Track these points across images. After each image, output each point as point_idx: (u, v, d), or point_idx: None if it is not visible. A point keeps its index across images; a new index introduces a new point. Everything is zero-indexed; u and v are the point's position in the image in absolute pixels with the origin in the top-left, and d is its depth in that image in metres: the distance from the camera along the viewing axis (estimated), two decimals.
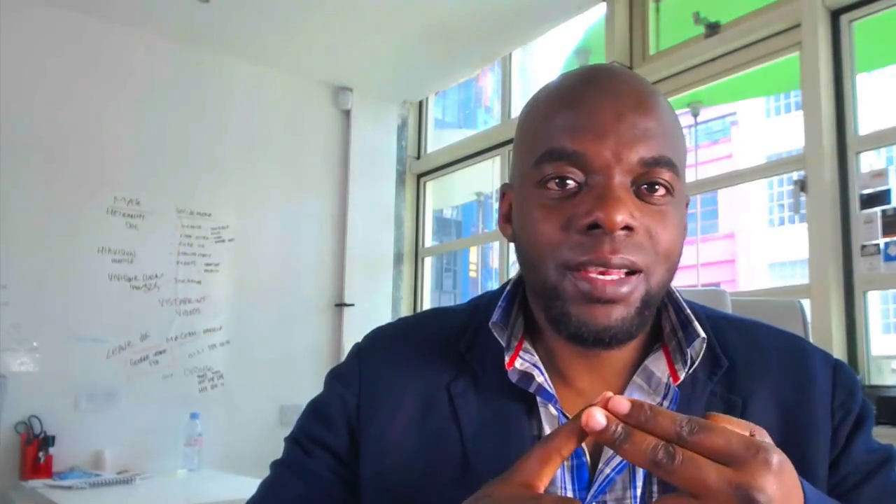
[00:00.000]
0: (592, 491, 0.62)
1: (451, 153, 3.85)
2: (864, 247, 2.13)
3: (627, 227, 0.59)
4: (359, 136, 3.75)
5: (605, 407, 0.45)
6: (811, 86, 2.25)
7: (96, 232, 2.97)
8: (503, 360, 0.65)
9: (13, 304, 2.76)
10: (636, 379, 0.66)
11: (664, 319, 0.68)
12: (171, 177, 3.18)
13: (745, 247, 16.37)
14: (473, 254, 11.98)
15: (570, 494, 0.63)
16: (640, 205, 0.60)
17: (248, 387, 3.26)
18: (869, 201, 2.13)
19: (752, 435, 0.44)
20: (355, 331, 3.45)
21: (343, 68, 3.57)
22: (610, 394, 0.46)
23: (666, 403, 0.64)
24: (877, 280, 2.11)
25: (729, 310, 1.03)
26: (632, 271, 0.59)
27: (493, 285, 3.68)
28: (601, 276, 0.58)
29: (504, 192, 0.72)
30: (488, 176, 3.88)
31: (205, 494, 2.54)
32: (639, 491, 0.63)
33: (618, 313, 0.59)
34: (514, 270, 0.84)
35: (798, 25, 2.31)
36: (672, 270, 0.63)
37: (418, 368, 0.70)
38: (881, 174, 2.13)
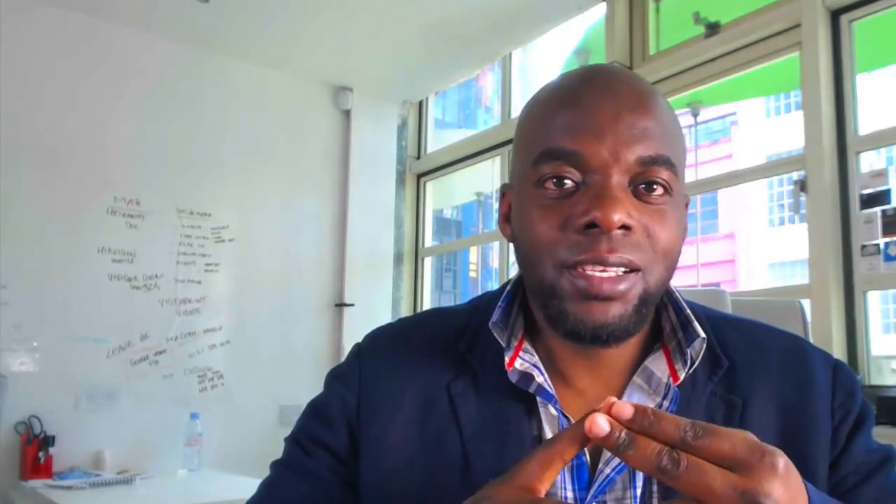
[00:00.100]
0: (592, 491, 0.62)
1: (451, 153, 3.85)
2: (864, 247, 2.13)
3: (625, 227, 0.59)
4: (359, 136, 3.75)
5: (609, 412, 0.45)
6: (811, 86, 2.25)
7: (96, 232, 2.97)
8: (503, 360, 0.65)
9: (13, 304, 2.76)
10: (636, 379, 0.66)
11: (664, 319, 0.68)
12: (172, 177, 3.18)
13: (745, 247, 16.37)
14: (473, 254, 11.99)
15: (569, 495, 0.63)
16: (637, 204, 0.60)
17: (248, 387, 3.26)
18: (869, 201, 2.13)
19: None
20: (355, 331, 3.45)
21: (343, 68, 3.57)
22: (613, 399, 0.46)
23: (666, 403, 0.64)
24: (877, 280, 2.11)
25: (729, 310, 1.03)
26: (629, 270, 0.59)
27: (493, 285, 3.68)
28: (598, 274, 0.58)
29: (504, 192, 0.72)
30: (488, 176, 3.88)
31: (205, 494, 2.54)
32: (639, 491, 0.63)
33: (615, 310, 0.59)
34: (514, 270, 0.84)
35: (798, 25, 2.31)
36: (671, 269, 0.63)
37: (418, 368, 0.70)
38: (881, 174, 2.13)
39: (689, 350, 0.64)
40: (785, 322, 0.98)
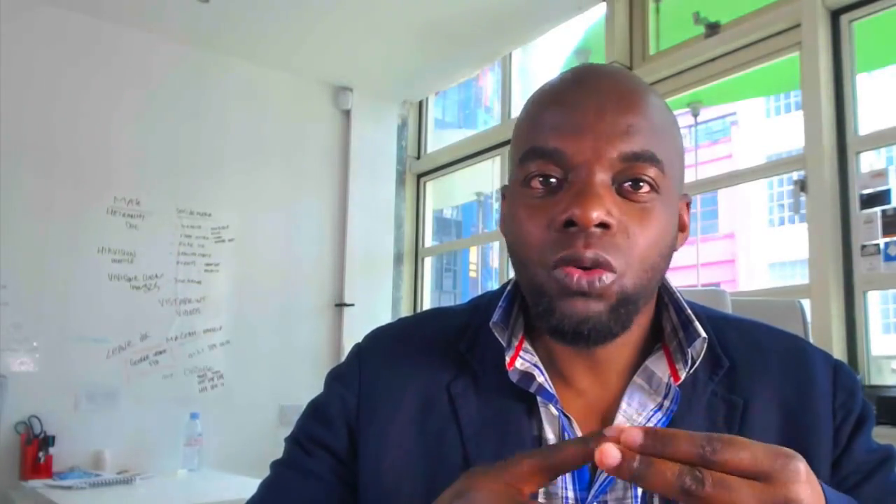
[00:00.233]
0: (593, 491, 0.62)
1: (451, 153, 3.85)
2: (864, 247, 2.13)
3: (604, 224, 0.58)
4: (359, 136, 3.75)
5: (618, 440, 0.43)
6: (811, 86, 2.25)
7: (96, 232, 2.97)
8: (503, 360, 0.65)
9: (13, 304, 2.76)
10: (637, 379, 0.66)
11: (665, 319, 0.68)
12: (171, 177, 3.18)
13: (745, 247, 16.37)
14: (473, 254, 11.99)
15: (570, 495, 0.63)
16: (621, 202, 0.60)
17: (248, 387, 3.26)
18: (869, 201, 2.13)
19: None
20: (355, 331, 3.45)
21: (343, 68, 3.57)
22: (621, 427, 0.44)
23: (667, 403, 0.64)
24: (877, 280, 2.11)
25: (729, 310, 1.03)
26: (607, 268, 0.58)
27: (493, 285, 3.68)
28: (577, 269, 0.58)
29: (503, 193, 0.72)
30: (488, 176, 3.88)
31: (205, 494, 2.54)
32: (640, 491, 0.63)
33: (595, 307, 0.59)
34: (513, 270, 0.85)
35: (798, 25, 2.31)
36: (651, 271, 0.61)
37: (418, 368, 0.70)
38: (881, 174, 2.13)
39: (689, 350, 0.63)
40: (785, 322, 0.98)
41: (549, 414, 0.65)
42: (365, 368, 0.72)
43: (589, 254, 0.58)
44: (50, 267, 2.86)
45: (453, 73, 3.74)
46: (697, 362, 0.64)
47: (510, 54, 3.53)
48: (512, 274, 0.70)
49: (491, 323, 0.66)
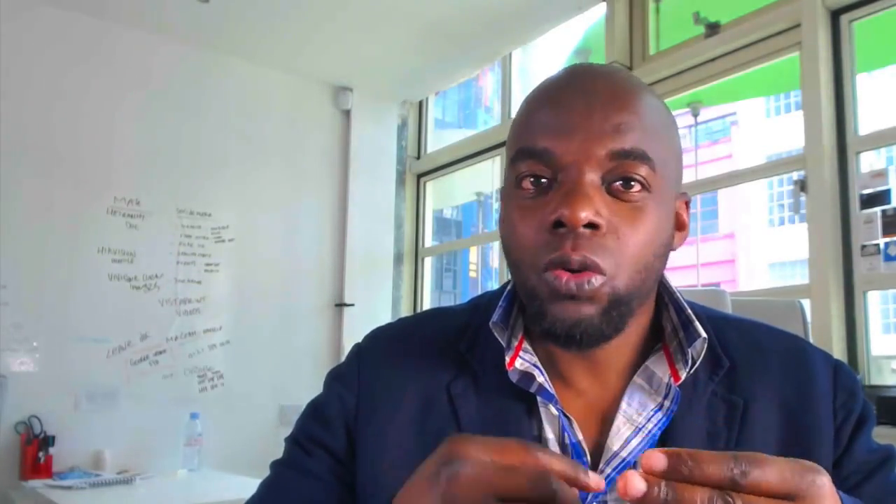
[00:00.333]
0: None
1: (451, 153, 3.85)
2: (864, 247, 2.13)
3: (592, 225, 0.57)
4: (359, 136, 3.75)
5: (642, 468, 0.41)
6: (811, 86, 2.25)
7: (96, 232, 2.97)
8: (503, 359, 0.65)
9: (13, 304, 2.76)
10: (637, 379, 0.66)
11: (665, 320, 0.68)
12: (171, 177, 3.18)
13: (745, 247, 16.38)
14: (473, 254, 11.99)
15: None
16: (611, 202, 0.59)
17: (248, 387, 3.26)
18: (869, 201, 2.13)
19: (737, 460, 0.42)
20: (355, 331, 3.45)
21: (343, 68, 3.57)
22: (646, 454, 0.41)
23: (667, 403, 0.64)
24: (877, 280, 2.11)
25: (729, 310, 1.03)
26: (596, 270, 0.58)
27: (493, 285, 3.68)
28: (566, 272, 0.58)
29: (501, 194, 0.72)
30: (488, 176, 3.88)
31: (205, 494, 2.54)
32: None
33: (586, 310, 0.58)
34: None
35: (798, 25, 2.31)
36: (645, 272, 0.61)
37: (418, 368, 0.70)
38: (881, 174, 2.13)
39: (690, 350, 0.63)
40: (785, 322, 0.99)
41: (548, 414, 0.65)
42: (364, 369, 0.72)
43: (576, 256, 0.57)
44: (50, 267, 2.86)
45: (453, 73, 3.74)
46: (698, 362, 0.64)
47: (510, 54, 3.53)
48: None
49: (491, 323, 0.66)
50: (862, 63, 2.29)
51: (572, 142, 0.59)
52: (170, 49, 3.23)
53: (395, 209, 3.89)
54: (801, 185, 2.26)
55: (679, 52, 2.72)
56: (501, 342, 0.65)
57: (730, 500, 0.39)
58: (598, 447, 0.64)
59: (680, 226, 0.67)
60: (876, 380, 2.14)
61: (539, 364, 0.66)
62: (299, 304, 3.49)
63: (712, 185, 3.01)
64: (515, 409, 0.65)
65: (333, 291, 3.62)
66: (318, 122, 3.66)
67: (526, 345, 0.67)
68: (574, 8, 3.02)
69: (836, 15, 2.28)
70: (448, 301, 8.48)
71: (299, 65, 3.52)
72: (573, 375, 0.66)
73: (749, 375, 0.66)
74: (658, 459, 0.40)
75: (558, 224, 0.58)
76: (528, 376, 0.64)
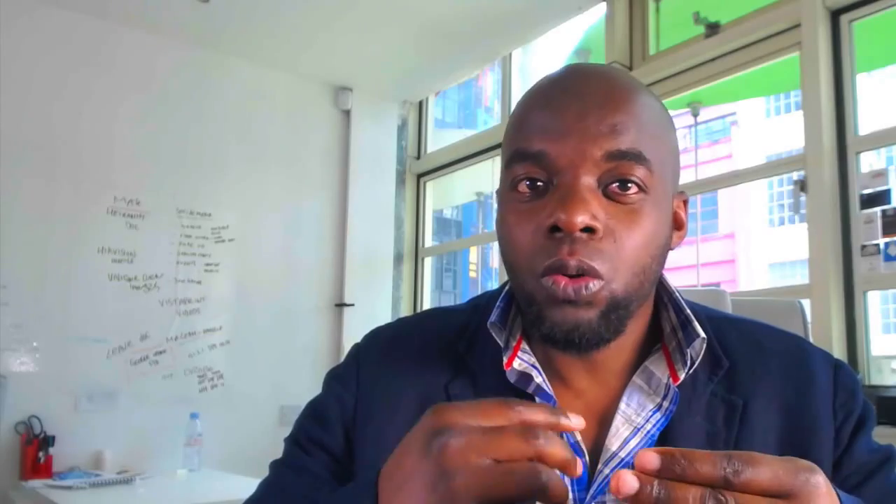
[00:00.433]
0: (591, 491, 0.62)
1: (451, 153, 3.85)
2: (864, 247, 2.13)
3: (589, 229, 0.57)
4: (359, 136, 3.75)
5: (635, 467, 0.41)
6: (811, 86, 2.25)
7: (96, 232, 2.97)
8: (502, 360, 0.65)
9: (13, 304, 2.76)
10: (636, 379, 0.66)
11: (664, 320, 0.68)
12: (172, 177, 3.18)
13: (745, 247, 16.38)
14: (473, 254, 11.98)
15: (568, 495, 0.63)
16: (608, 204, 0.59)
17: (248, 387, 3.26)
18: (869, 201, 2.13)
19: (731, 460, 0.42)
20: (355, 331, 3.45)
21: (343, 68, 3.57)
22: (640, 453, 0.42)
23: (666, 404, 0.63)
24: (877, 280, 2.11)
25: (729, 310, 1.03)
26: (593, 275, 0.58)
27: (493, 285, 3.68)
28: (563, 277, 0.57)
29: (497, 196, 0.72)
30: (488, 176, 3.88)
31: (205, 494, 2.54)
32: None
33: (584, 314, 0.58)
34: None
35: (798, 25, 2.31)
36: (642, 274, 0.60)
37: (417, 369, 0.70)
38: (881, 174, 2.13)
39: (689, 350, 0.63)
40: (785, 322, 0.98)
41: None
42: (363, 369, 0.72)
43: (573, 261, 0.57)
44: (50, 267, 2.86)
45: (453, 73, 3.74)
46: (697, 363, 0.63)
47: (510, 54, 3.53)
48: None
49: (489, 323, 0.65)
50: (862, 63, 2.29)
51: (567, 144, 0.59)
52: (170, 49, 3.23)
53: (395, 209, 3.89)
54: (801, 185, 2.26)
55: (679, 52, 2.72)
56: (499, 342, 0.65)
57: (722, 498, 0.40)
58: (597, 447, 0.64)
59: (678, 225, 0.67)
60: (876, 380, 2.14)
61: (537, 364, 0.65)
62: (299, 304, 3.49)
63: (712, 185, 3.01)
64: None
65: (333, 291, 3.62)
66: (318, 122, 3.66)
67: (524, 345, 0.67)
68: (574, 8, 3.02)
69: (836, 15, 2.28)
70: (448, 301, 8.48)
71: (299, 65, 3.52)
72: (571, 376, 0.66)
73: (749, 375, 0.66)
74: (651, 459, 0.41)
75: (555, 229, 0.58)
76: (526, 377, 0.64)
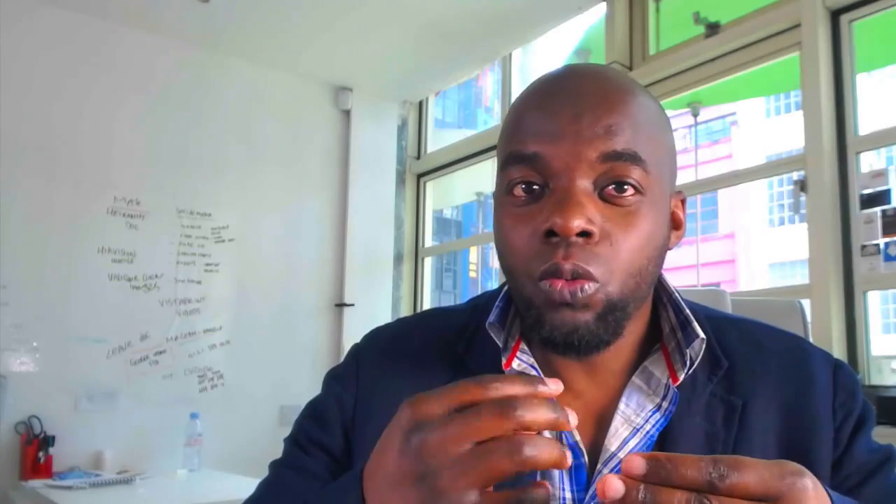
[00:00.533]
0: (591, 492, 0.62)
1: (451, 153, 3.85)
2: (864, 247, 2.13)
3: (585, 233, 0.57)
4: (359, 136, 3.75)
5: (621, 471, 0.41)
6: (811, 86, 2.25)
7: (96, 232, 2.97)
8: (501, 360, 0.65)
9: (13, 304, 2.76)
10: (635, 380, 0.66)
11: (663, 320, 0.68)
12: (171, 177, 3.18)
13: (745, 247, 16.38)
14: (473, 254, 11.98)
15: (567, 496, 0.62)
16: (604, 207, 0.59)
17: (248, 387, 3.26)
18: (869, 201, 2.13)
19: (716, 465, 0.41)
20: (355, 331, 3.45)
21: (343, 68, 3.57)
22: (627, 458, 0.42)
23: (665, 404, 0.63)
24: (877, 280, 2.11)
25: (729, 310, 1.03)
26: (588, 278, 0.57)
27: (493, 285, 3.68)
28: (559, 280, 0.57)
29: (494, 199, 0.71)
30: (488, 176, 3.88)
31: (205, 494, 2.54)
32: None
33: (582, 317, 0.58)
34: None
35: (798, 25, 2.31)
36: (639, 276, 0.60)
37: (416, 369, 0.70)
38: (881, 174, 2.13)
39: (688, 351, 0.63)
40: (785, 322, 0.98)
41: None
42: (362, 369, 0.72)
43: (568, 265, 0.57)
44: (50, 267, 2.86)
45: (453, 73, 3.74)
46: (696, 363, 0.63)
47: (510, 54, 3.53)
48: None
49: (487, 324, 0.65)
50: (862, 63, 2.29)
51: (562, 146, 0.58)
52: (170, 49, 3.23)
53: (395, 209, 3.89)
54: (801, 185, 2.26)
55: (679, 52, 2.72)
56: (498, 343, 0.65)
57: (706, 502, 0.40)
58: (596, 448, 0.64)
59: (676, 225, 0.67)
60: (876, 380, 2.14)
61: (536, 365, 0.65)
62: (299, 304, 3.49)
63: (712, 185, 3.01)
64: None
65: (333, 291, 3.62)
66: (318, 122, 3.66)
67: (523, 346, 0.67)
68: (574, 8, 3.02)
69: (836, 15, 2.28)
70: (448, 301, 8.48)
71: (299, 65, 3.52)
72: (571, 377, 0.66)
73: (748, 376, 0.66)
74: (637, 463, 0.41)
75: (551, 233, 0.57)
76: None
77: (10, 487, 2.65)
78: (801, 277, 3.03)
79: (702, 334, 0.63)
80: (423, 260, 3.96)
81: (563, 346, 0.59)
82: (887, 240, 2.08)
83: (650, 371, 0.65)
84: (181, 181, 3.20)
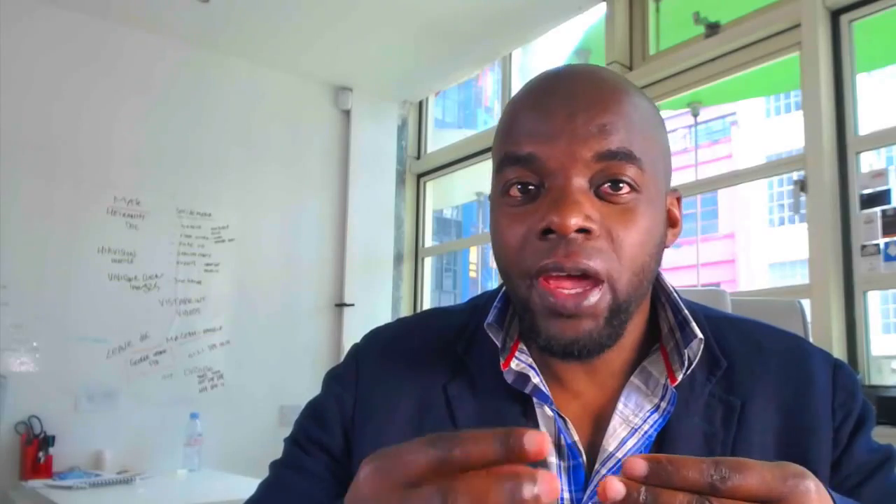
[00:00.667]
0: (588, 492, 0.62)
1: (451, 153, 3.85)
2: (864, 247, 2.13)
3: (584, 230, 0.57)
4: (359, 136, 3.75)
5: (622, 472, 0.41)
6: (811, 86, 2.25)
7: (96, 232, 2.97)
8: (500, 361, 0.65)
9: (13, 304, 2.76)
10: (634, 380, 0.66)
11: (662, 320, 0.68)
12: (171, 177, 3.18)
13: (745, 247, 16.38)
14: (473, 254, 11.98)
15: (566, 496, 0.63)
16: (601, 205, 0.59)
17: (248, 387, 3.26)
18: (869, 201, 2.13)
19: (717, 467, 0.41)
20: (355, 331, 3.45)
21: (343, 68, 3.57)
22: (628, 459, 0.41)
23: (664, 405, 0.63)
24: (877, 280, 2.11)
25: (729, 310, 1.03)
26: (594, 280, 0.57)
27: (493, 285, 3.67)
28: (562, 290, 0.57)
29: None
30: (488, 176, 3.85)
31: (205, 494, 2.54)
32: None
33: (585, 326, 0.58)
34: None
35: (798, 25, 2.31)
36: (642, 274, 0.60)
37: (415, 370, 0.70)
38: (881, 174, 2.13)
39: (686, 351, 0.63)
40: (785, 322, 0.98)
41: (544, 415, 0.65)
42: (362, 369, 0.72)
43: (570, 263, 0.57)
44: (50, 267, 2.86)
45: (453, 73, 3.74)
46: (694, 363, 0.63)
47: (510, 54, 3.53)
48: None
49: (485, 324, 0.65)
50: (862, 63, 2.29)
51: (557, 146, 0.59)
52: (170, 49, 3.23)
53: (395, 209, 3.89)
54: (801, 185, 2.26)
55: (679, 52, 2.72)
56: (496, 343, 0.65)
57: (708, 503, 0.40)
58: (594, 448, 0.64)
59: (672, 223, 0.67)
60: (876, 380, 2.14)
61: (534, 365, 0.65)
62: (299, 304, 3.49)
63: (712, 185, 3.01)
64: (512, 410, 0.65)
65: (333, 291, 3.62)
66: (318, 122, 3.66)
67: (522, 346, 0.67)
68: (574, 8, 3.02)
69: (836, 15, 2.28)
70: (448, 301, 8.48)
71: (299, 65, 3.52)
72: (569, 378, 0.66)
73: (747, 376, 0.66)
74: (638, 465, 0.40)
75: (548, 231, 0.57)
76: (523, 377, 0.64)
77: (10, 487, 2.65)
78: (801, 277, 3.03)
79: (700, 335, 0.63)
80: (423, 260, 3.96)
81: (562, 354, 0.59)
82: (887, 240, 2.08)
83: (649, 371, 0.65)
84: (181, 181, 3.20)
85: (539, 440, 0.37)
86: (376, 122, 3.84)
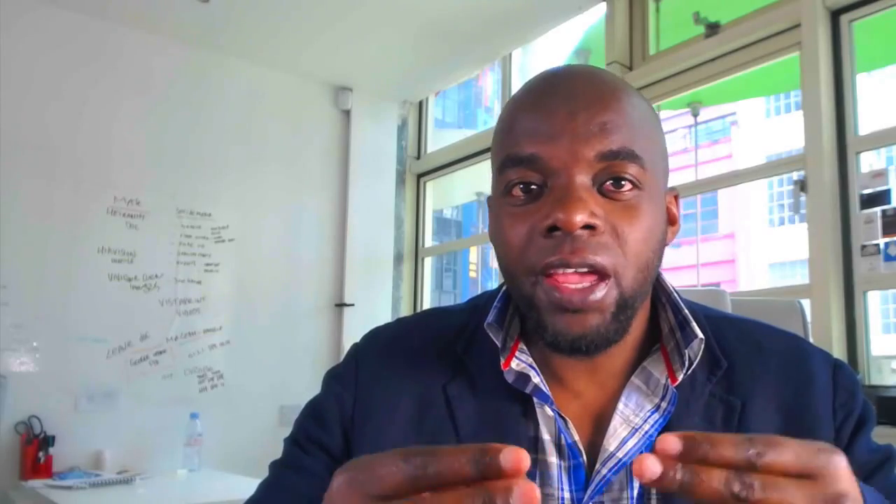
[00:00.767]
0: (589, 492, 0.62)
1: (451, 153, 3.85)
2: (864, 247, 2.12)
3: (589, 227, 0.57)
4: (359, 136, 3.75)
5: (656, 451, 0.40)
6: (811, 86, 2.25)
7: (96, 232, 2.97)
8: (500, 360, 0.65)
9: (13, 304, 2.76)
10: (634, 380, 0.66)
11: (662, 320, 0.68)
12: (171, 177, 3.18)
13: (745, 247, 16.38)
14: (473, 254, 11.98)
15: (566, 495, 0.63)
16: (604, 202, 0.59)
17: (248, 387, 3.26)
18: (869, 201, 2.13)
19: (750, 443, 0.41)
20: (355, 331, 3.44)
21: (343, 68, 3.57)
22: (661, 437, 0.40)
23: (664, 405, 0.63)
24: (877, 280, 2.11)
25: (729, 310, 1.03)
26: (601, 275, 0.58)
27: (493, 285, 3.67)
28: (568, 284, 0.57)
29: (488, 203, 0.71)
30: (488, 176, 3.86)
31: (205, 494, 2.54)
32: (635, 492, 0.63)
33: (592, 321, 0.58)
34: None
35: (798, 25, 2.31)
36: (646, 270, 0.61)
37: (415, 370, 0.70)
38: (881, 174, 2.13)
39: (687, 351, 0.63)
40: (785, 322, 0.98)
41: (545, 415, 0.65)
42: (362, 369, 0.72)
43: (576, 259, 0.57)
44: (50, 267, 2.86)
45: (453, 73, 3.74)
46: (695, 363, 0.63)
47: (510, 54, 3.53)
48: None
49: (486, 324, 0.65)
50: (862, 63, 2.29)
51: (559, 145, 0.59)
52: (170, 49, 3.23)
53: (395, 209, 3.89)
54: (801, 185, 2.26)
55: (679, 52, 2.72)
56: (496, 343, 0.65)
57: (748, 480, 0.39)
58: (595, 448, 0.64)
59: (671, 220, 0.68)
60: (876, 380, 2.14)
61: (535, 365, 0.65)
62: (299, 304, 3.49)
63: (712, 185, 3.01)
64: (512, 410, 0.65)
65: (333, 291, 3.62)
66: (318, 122, 3.66)
67: (522, 346, 0.67)
68: (574, 8, 3.02)
69: (836, 15, 2.27)
70: (448, 301, 8.47)
71: (299, 65, 3.52)
72: (569, 377, 0.66)
73: (748, 376, 0.66)
74: (672, 442, 0.39)
75: (553, 229, 0.58)
76: (523, 377, 0.64)
77: (10, 487, 2.65)
78: (801, 277, 3.03)
79: (700, 335, 0.63)
80: (423, 260, 3.96)
81: (568, 350, 0.59)
82: (887, 240, 2.08)
83: (649, 371, 0.65)
84: (181, 181, 3.20)
85: (515, 457, 0.36)
86: (376, 122, 3.84)
